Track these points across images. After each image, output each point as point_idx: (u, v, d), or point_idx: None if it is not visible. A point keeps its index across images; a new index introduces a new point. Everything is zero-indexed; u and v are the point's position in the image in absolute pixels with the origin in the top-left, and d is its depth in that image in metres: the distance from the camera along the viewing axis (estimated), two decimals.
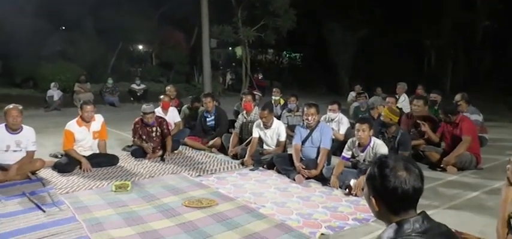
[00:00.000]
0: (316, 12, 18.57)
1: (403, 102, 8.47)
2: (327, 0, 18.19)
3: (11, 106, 4.86)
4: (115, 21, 17.41)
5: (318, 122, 5.14)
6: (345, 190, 4.35)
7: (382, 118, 5.11)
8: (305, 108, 5.11)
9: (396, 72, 16.17)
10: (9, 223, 3.51)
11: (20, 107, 4.94)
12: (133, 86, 14.64)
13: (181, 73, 19.51)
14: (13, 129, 4.83)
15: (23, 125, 4.95)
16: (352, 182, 4.27)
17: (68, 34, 16.31)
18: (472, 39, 18.59)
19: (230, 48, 28.18)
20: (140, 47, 24.31)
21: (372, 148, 4.46)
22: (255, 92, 7.73)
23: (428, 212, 1.45)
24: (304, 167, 4.82)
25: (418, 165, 1.46)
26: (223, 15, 17.33)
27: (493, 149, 6.58)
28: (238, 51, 26.27)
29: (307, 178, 4.83)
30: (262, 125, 5.62)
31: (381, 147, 4.41)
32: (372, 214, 3.52)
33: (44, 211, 3.77)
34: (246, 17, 16.80)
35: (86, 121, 5.47)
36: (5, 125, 4.86)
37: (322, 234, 3.32)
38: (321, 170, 4.80)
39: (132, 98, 14.33)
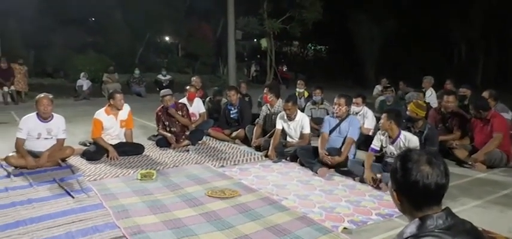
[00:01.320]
0: (342, 4, 18.29)
1: (430, 96, 8.27)
2: None
3: (42, 95, 5.03)
4: (143, 12, 17.71)
5: (348, 113, 5.11)
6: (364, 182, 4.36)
7: (408, 113, 5.01)
8: (336, 98, 5.09)
9: (424, 65, 15.79)
10: (41, 207, 3.65)
11: (51, 96, 5.11)
12: (160, 76, 14.87)
13: (207, 64, 19.65)
14: (44, 117, 5.00)
15: (53, 113, 5.12)
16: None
17: (97, 25, 16.67)
18: (505, 32, 17.87)
19: (255, 40, 28.17)
20: (167, 38, 24.64)
21: (403, 141, 4.38)
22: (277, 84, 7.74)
23: (455, 210, 1.41)
24: (327, 153, 4.81)
25: (445, 161, 1.43)
26: (249, 7, 17.34)
27: None
28: (263, 43, 26.22)
29: (330, 167, 4.82)
30: (285, 117, 5.62)
31: (412, 140, 4.33)
32: (396, 210, 3.47)
33: (73, 197, 3.90)
34: (272, 9, 16.75)
35: (118, 108, 5.61)
36: (37, 113, 5.03)
37: (344, 228, 3.30)
38: (345, 161, 4.77)
39: (158, 89, 14.50)
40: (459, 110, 5.95)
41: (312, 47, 28.92)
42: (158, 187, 4.31)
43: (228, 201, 3.88)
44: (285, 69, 20.66)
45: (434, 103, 7.42)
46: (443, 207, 1.40)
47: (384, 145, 4.62)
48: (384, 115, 4.43)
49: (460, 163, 5.27)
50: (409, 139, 4.39)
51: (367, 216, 3.58)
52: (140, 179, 4.50)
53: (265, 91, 6.48)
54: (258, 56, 24.77)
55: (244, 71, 20.68)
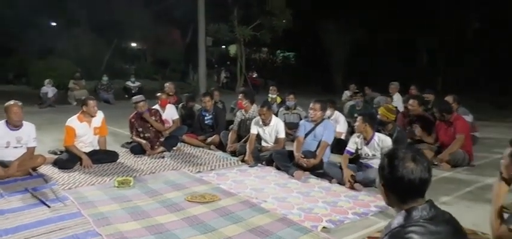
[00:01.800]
0: (311, 12, 18.70)
1: (397, 101, 8.62)
2: (322, 0, 18.36)
3: (11, 103, 4.88)
4: (110, 17, 17.41)
5: (323, 118, 5.27)
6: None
7: (379, 117, 5.24)
8: (311, 103, 5.23)
9: (389, 71, 16.39)
10: (15, 218, 3.55)
11: (20, 103, 4.97)
12: (128, 83, 14.64)
13: (177, 71, 19.57)
14: (15, 125, 4.85)
15: (23, 121, 4.98)
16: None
17: (61, 30, 16.22)
18: (463, 41, 18.86)
19: (223, 46, 28.24)
20: (133, 44, 24.28)
21: (377, 142, 4.59)
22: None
23: None
24: (303, 156, 4.94)
25: (427, 157, 1.56)
26: (218, 14, 17.40)
27: (484, 147, 6.75)
28: (232, 49, 26.37)
29: (305, 169, 4.94)
30: (260, 122, 5.72)
31: (385, 140, 4.55)
32: (371, 208, 3.62)
33: (49, 207, 3.81)
34: (242, 16, 16.89)
35: (91, 115, 5.52)
36: (5, 121, 4.87)
37: (323, 227, 3.42)
38: (320, 163, 4.91)
39: (126, 96, 14.31)
40: (424, 113, 6.27)
41: (281, 54, 29.31)
42: (136, 193, 4.28)
43: (209, 205, 3.91)
44: (255, 75, 20.83)
45: (400, 107, 7.75)
46: (426, 199, 1.53)
47: (359, 147, 4.81)
48: (359, 118, 4.63)
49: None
50: (383, 140, 4.60)
51: (344, 215, 3.72)
52: (117, 187, 4.45)
53: (239, 97, 6.56)
54: (228, 62, 24.86)
55: (214, 78, 20.69)
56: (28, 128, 5.00)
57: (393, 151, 1.58)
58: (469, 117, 6.47)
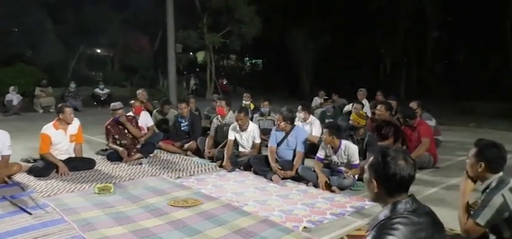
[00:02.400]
0: (279, 19, 19.09)
1: (365, 107, 8.99)
2: (289, 8, 18.80)
3: None
4: (76, 23, 17.04)
5: (293, 126, 5.45)
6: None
7: (351, 122, 5.50)
8: (277, 116, 5.40)
9: (355, 78, 17.04)
10: None
11: None
12: (97, 90, 14.38)
13: (146, 78, 19.33)
14: None
15: None
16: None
17: (26, 36, 15.71)
18: (423, 49, 19.84)
19: (191, 53, 28.22)
20: (99, 50, 23.79)
21: (344, 151, 4.83)
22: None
23: None
24: (280, 167, 5.12)
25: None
26: (187, 21, 17.45)
27: (447, 149, 7.19)
28: (200, 56, 26.39)
29: (283, 178, 5.12)
30: (238, 128, 5.86)
31: (351, 147, 4.79)
32: (347, 209, 3.84)
33: (30, 214, 3.79)
34: (211, 23, 17.01)
35: (67, 123, 5.48)
36: None
37: (304, 227, 3.60)
38: (296, 171, 5.11)
39: (95, 103, 14.07)
40: (392, 118, 6.62)
41: (249, 61, 29.62)
42: (118, 199, 4.32)
43: (192, 209, 4.02)
44: (225, 82, 20.96)
45: (368, 113, 8.10)
46: (408, 194, 1.74)
47: (328, 155, 5.04)
48: (325, 131, 4.87)
49: None
50: (349, 147, 4.85)
51: (323, 216, 3.92)
52: (98, 193, 4.46)
53: (218, 104, 6.67)
54: (197, 69, 24.85)
55: (183, 85, 20.63)
56: (2, 136, 4.91)
57: (385, 150, 1.77)
58: (432, 122, 6.87)
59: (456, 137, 8.70)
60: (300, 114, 6.66)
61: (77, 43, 18.12)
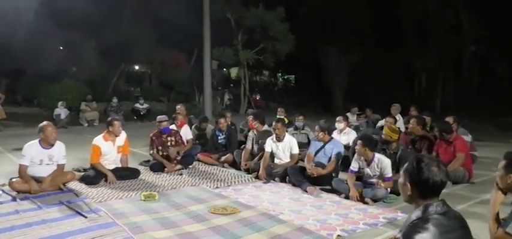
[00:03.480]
0: (312, 36, 19.33)
1: (399, 122, 9.03)
2: (322, 25, 19.01)
3: (45, 123, 5.31)
4: (116, 41, 17.95)
5: (331, 137, 5.71)
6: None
7: (383, 136, 5.63)
8: (316, 128, 5.67)
9: (388, 93, 16.91)
10: (57, 226, 3.91)
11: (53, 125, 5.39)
12: (137, 105, 15.09)
13: (181, 93, 20.00)
14: (48, 144, 5.24)
15: None
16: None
17: (70, 53, 16.72)
18: (460, 63, 19.47)
19: (224, 69, 28.89)
20: (137, 67, 24.83)
21: (377, 164, 4.98)
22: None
23: None
24: (314, 165, 5.38)
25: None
26: (222, 38, 18.00)
27: (483, 165, 7.12)
28: (233, 72, 26.98)
29: (316, 183, 5.32)
30: (275, 139, 6.12)
31: (384, 161, 4.93)
32: (380, 219, 3.97)
33: (86, 217, 4.17)
34: (246, 40, 17.46)
35: (116, 135, 5.92)
36: (39, 140, 5.27)
37: (338, 236, 3.78)
38: (330, 180, 5.31)
39: (135, 117, 14.75)
40: (426, 133, 6.67)
41: (282, 77, 29.95)
42: (163, 206, 4.64)
43: (231, 216, 4.27)
44: (258, 97, 21.32)
45: (402, 128, 8.15)
46: (440, 199, 1.92)
47: (361, 167, 5.19)
48: (359, 142, 5.02)
49: None
50: (382, 160, 4.98)
51: (356, 225, 4.08)
52: (144, 200, 4.81)
53: (250, 119, 6.97)
54: (231, 85, 25.39)
55: (218, 100, 21.15)
56: (59, 147, 5.39)
57: (420, 157, 1.96)
58: (468, 138, 6.87)
59: (493, 153, 8.53)
60: (340, 125, 6.91)
61: (117, 60, 19.07)
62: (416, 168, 1.93)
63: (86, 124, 13.33)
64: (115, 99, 14.37)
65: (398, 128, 6.78)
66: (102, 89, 17.81)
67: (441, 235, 1.77)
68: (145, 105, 15.16)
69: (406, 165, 2.03)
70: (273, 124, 6.18)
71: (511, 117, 14.42)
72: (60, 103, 12.88)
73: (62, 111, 12.75)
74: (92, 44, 17.25)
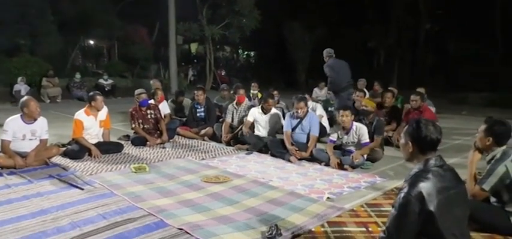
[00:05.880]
0: (277, 12, 19.54)
1: (366, 95, 9.55)
2: (286, 1, 19.26)
3: (27, 98, 5.25)
4: (74, 14, 17.19)
5: (307, 111, 5.97)
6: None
7: (363, 108, 6.01)
8: (295, 102, 5.89)
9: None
10: (55, 198, 3.93)
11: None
12: (101, 81, 14.74)
13: (146, 69, 19.60)
14: (30, 119, 5.16)
15: None
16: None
17: (27, 27, 15.86)
18: (416, 41, 20.51)
19: (185, 45, 28.49)
20: (91, 42, 23.90)
21: (355, 131, 5.37)
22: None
23: (402, 182, 2.29)
24: (297, 149, 5.63)
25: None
26: (186, 13, 17.76)
27: (443, 134, 7.75)
28: (193, 47, 26.73)
29: (299, 159, 5.63)
30: (260, 110, 6.39)
31: (362, 128, 5.34)
32: (362, 182, 4.35)
33: (82, 189, 4.22)
34: (211, 15, 17.36)
35: (98, 110, 5.90)
36: (21, 115, 5.19)
37: (328, 197, 4.12)
38: (311, 153, 5.63)
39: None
40: (394, 105, 7.18)
41: (243, 53, 30.04)
42: (155, 177, 4.77)
43: (224, 184, 4.49)
44: (223, 73, 21.37)
45: None
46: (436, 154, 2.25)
47: (340, 136, 5.57)
48: (346, 112, 5.35)
49: (398, 147, 6.43)
50: (360, 128, 5.40)
51: (341, 189, 4.44)
52: (135, 172, 4.91)
53: (241, 92, 7.13)
54: (195, 60, 25.18)
55: (181, 76, 20.96)
56: (41, 122, 5.32)
57: (419, 119, 2.28)
58: (433, 108, 7.47)
59: (450, 123, 9.32)
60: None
61: (75, 34, 18.30)
62: (416, 128, 2.24)
63: (48, 101, 12.89)
64: (78, 75, 13.94)
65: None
66: (62, 65, 17.09)
67: (439, 182, 2.11)
68: (110, 81, 14.82)
69: (406, 128, 2.34)
70: (268, 100, 6.40)
71: (461, 93, 15.56)
72: (19, 79, 12.34)
73: (22, 87, 12.23)
74: (50, 17, 16.40)
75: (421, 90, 7.20)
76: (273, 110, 6.42)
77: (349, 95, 7.71)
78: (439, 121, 8.10)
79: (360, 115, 5.94)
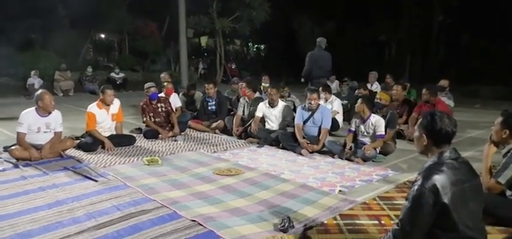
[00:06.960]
0: (286, 5, 19.44)
1: (376, 89, 9.50)
2: None
3: (42, 91, 5.33)
4: (85, 9, 17.32)
5: (319, 104, 5.96)
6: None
7: (378, 100, 5.97)
8: (308, 94, 5.88)
9: (359, 63, 17.47)
10: (70, 190, 4.00)
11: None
12: (113, 74, 14.85)
13: (156, 62, 19.70)
14: (45, 112, 5.24)
15: None
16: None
17: (40, 22, 16.04)
18: (428, 34, 20.25)
19: (195, 38, 28.51)
20: (102, 35, 24.06)
21: (372, 122, 5.38)
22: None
23: (415, 175, 2.25)
24: (309, 142, 5.63)
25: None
26: (195, 6, 17.78)
27: (458, 128, 7.70)
28: (203, 41, 26.74)
29: (310, 152, 5.63)
30: (268, 104, 6.36)
31: (379, 120, 5.35)
32: (374, 176, 4.34)
33: (96, 181, 4.28)
34: (221, 8, 17.35)
35: (107, 104, 5.95)
36: (35, 108, 5.27)
37: (340, 190, 4.12)
38: (323, 145, 5.63)
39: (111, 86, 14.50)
40: (406, 97, 7.12)
41: (253, 46, 29.96)
42: (168, 169, 4.81)
43: (236, 177, 4.51)
44: (233, 66, 21.37)
45: None
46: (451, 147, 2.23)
47: (356, 126, 5.58)
48: (359, 100, 5.39)
49: (412, 140, 6.39)
50: (377, 119, 5.39)
51: (353, 182, 4.43)
52: (148, 165, 4.96)
53: (243, 86, 7.14)
54: (205, 54, 25.21)
55: (192, 69, 21.02)
56: (56, 115, 5.40)
57: (433, 112, 2.26)
58: (451, 103, 7.40)
59: (463, 117, 9.20)
60: (322, 95, 7.15)
61: (87, 28, 18.46)
62: (430, 120, 2.23)
63: (61, 94, 13.04)
64: (90, 69, 14.07)
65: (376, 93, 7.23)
66: (73, 59, 17.27)
67: (454, 175, 2.09)
68: (121, 75, 14.93)
69: (420, 120, 2.32)
70: (268, 89, 6.39)
71: (474, 85, 15.36)
72: (33, 72, 12.50)
73: (35, 81, 12.40)
74: (61, 11, 16.56)
75: (445, 83, 7.13)
76: (280, 104, 6.41)
77: (320, 84, 7.89)
78: (454, 114, 8.10)
79: (376, 109, 5.91)
